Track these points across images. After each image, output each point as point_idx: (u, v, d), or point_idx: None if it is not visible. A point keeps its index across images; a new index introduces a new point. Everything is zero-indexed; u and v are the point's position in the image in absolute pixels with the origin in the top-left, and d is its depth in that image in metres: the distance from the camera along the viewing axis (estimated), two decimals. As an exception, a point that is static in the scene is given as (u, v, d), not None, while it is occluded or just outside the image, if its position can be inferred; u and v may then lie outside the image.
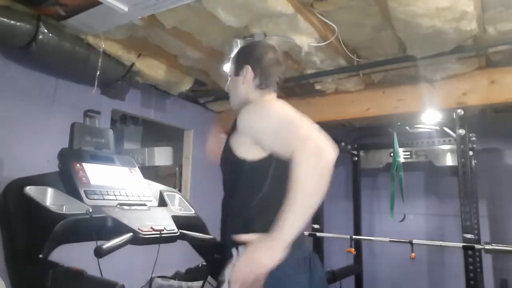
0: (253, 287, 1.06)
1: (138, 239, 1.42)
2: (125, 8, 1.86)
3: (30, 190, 1.42)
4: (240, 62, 1.42)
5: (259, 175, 1.20)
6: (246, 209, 1.22)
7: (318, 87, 3.20)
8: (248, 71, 1.38)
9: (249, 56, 1.42)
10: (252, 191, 1.19)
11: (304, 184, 1.05)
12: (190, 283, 3.02)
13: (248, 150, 1.21)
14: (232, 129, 1.28)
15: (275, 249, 1.05)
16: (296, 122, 1.16)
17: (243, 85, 1.40)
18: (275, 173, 1.21)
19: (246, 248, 1.10)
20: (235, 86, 1.43)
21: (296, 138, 1.10)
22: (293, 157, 1.07)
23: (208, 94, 3.56)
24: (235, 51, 2.28)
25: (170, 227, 1.58)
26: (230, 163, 1.27)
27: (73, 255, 1.53)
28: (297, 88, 3.38)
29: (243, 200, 1.22)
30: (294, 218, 1.05)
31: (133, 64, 2.67)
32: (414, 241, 2.83)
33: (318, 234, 3.40)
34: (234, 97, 1.45)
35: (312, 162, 1.06)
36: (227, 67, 2.38)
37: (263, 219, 1.14)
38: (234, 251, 1.19)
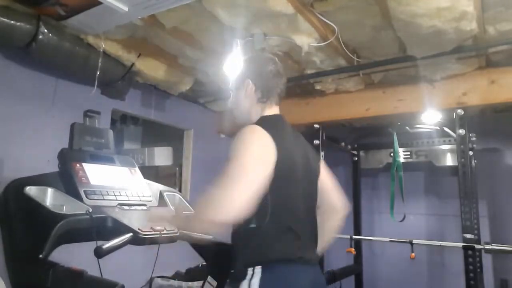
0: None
1: (138, 239, 1.42)
2: (125, 8, 1.86)
3: (30, 190, 1.42)
4: (241, 76, 1.43)
5: None
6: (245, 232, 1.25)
7: (318, 87, 3.20)
8: (249, 84, 1.38)
9: (249, 69, 1.43)
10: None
11: (189, 221, 1.36)
12: (190, 283, 3.02)
13: None
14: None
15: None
16: (234, 170, 1.16)
17: (245, 99, 1.40)
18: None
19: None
20: (237, 100, 1.43)
21: (219, 180, 1.14)
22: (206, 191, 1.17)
23: (208, 94, 3.56)
24: (235, 51, 2.30)
25: (170, 227, 1.58)
26: None
27: (73, 255, 1.53)
28: (297, 88, 3.38)
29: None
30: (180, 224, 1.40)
31: (133, 64, 2.67)
32: (414, 241, 2.83)
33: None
34: (237, 112, 1.45)
35: (199, 214, 1.23)
36: (228, 67, 2.39)
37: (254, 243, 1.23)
38: (250, 269, 1.19)
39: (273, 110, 1.41)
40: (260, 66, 1.41)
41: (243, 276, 1.19)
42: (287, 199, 1.25)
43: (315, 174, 1.44)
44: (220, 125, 3.95)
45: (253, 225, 1.22)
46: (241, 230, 1.22)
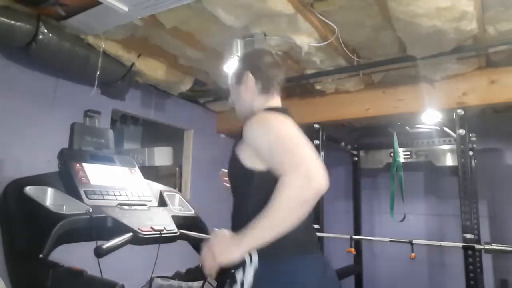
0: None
1: (138, 239, 1.42)
2: (125, 8, 1.86)
3: (30, 190, 1.42)
4: (240, 70, 1.42)
5: (267, 186, 1.16)
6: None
7: (318, 87, 3.20)
8: (248, 77, 1.38)
9: (247, 62, 1.43)
10: (261, 201, 1.15)
11: (280, 206, 1.05)
12: (190, 283, 3.01)
13: (255, 162, 1.21)
14: (239, 138, 1.27)
15: (231, 250, 1.09)
16: (291, 143, 1.14)
17: (246, 92, 1.39)
18: None
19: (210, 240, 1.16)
20: (239, 95, 1.42)
21: (289, 160, 1.08)
22: (282, 176, 1.06)
23: (208, 94, 3.56)
24: (235, 51, 2.30)
25: (170, 227, 1.58)
26: (239, 173, 1.27)
27: (73, 255, 1.53)
28: (297, 88, 3.38)
29: (252, 210, 1.17)
30: (258, 232, 1.07)
31: (133, 64, 2.67)
32: (414, 241, 2.83)
33: (318, 234, 3.40)
34: (239, 106, 1.44)
35: (297, 189, 1.04)
36: (228, 67, 2.39)
37: None
38: (246, 257, 1.17)
39: (275, 101, 1.40)
40: (257, 58, 1.42)
41: (239, 264, 1.17)
42: None
43: None
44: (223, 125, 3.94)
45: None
46: (241, 217, 1.22)
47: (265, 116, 1.26)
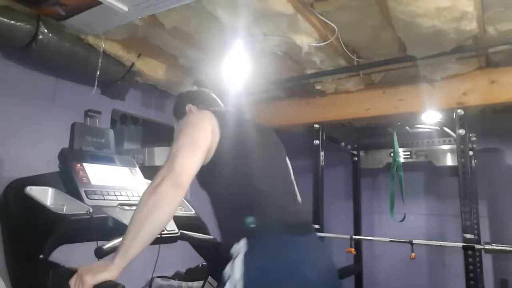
0: None
1: (138, 239, 1.42)
2: (125, 8, 1.86)
3: (30, 190, 1.41)
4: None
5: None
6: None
7: (318, 87, 3.20)
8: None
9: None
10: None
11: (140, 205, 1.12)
12: (190, 283, 3.01)
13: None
14: None
15: (103, 268, 1.06)
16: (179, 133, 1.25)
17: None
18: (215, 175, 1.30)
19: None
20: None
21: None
22: None
23: (208, 94, 3.56)
24: (235, 51, 2.30)
25: (170, 227, 1.58)
26: None
27: (73, 255, 1.53)
28: (297, 88, 3.38)
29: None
30: (127, 245, 1.07)
31: (133, 64, 2.67)
32: (414, 241, 2.83)
33: (318, 234, 3.40)
34: None
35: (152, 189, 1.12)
36: (227, 66, 2.38)
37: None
38: (235, 245, 1.17)
39: None
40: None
41: (231, 255, 1.17)
42: (244, 171, 1.29)
43: (277, 148, 1.53)
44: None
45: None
46: (218, 211, 1.30)
47: None
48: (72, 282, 1.06)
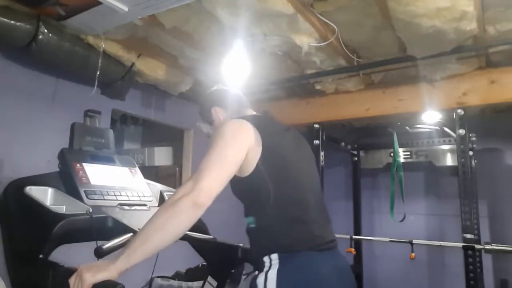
0: None
1: (138, 239, 1.42)
2: (125, 8, 1.86)
3: (30, 190, 1.41)
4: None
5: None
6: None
7: (318, 87, 3.20)
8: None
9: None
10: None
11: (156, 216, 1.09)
12: (190, 283, 3.01)
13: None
14: None
15: (105, 267, 1.04)
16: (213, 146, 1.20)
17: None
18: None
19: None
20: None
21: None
22: None
23: (208, 94, 3.56)
24: (235, 51, 2.30)
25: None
26: None
27: (73, 255, 1.53)
28: (297, 88, 3.38)
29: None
30: (132, 250, 1.05)
31: (133, 64, 2.67)
32: (414, 241, 2.83)
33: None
34: None
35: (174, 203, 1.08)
36: (227, 66, 2.38)
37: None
38: (266, 259, 1.17)
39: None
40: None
41: (260, 268, 1.16)
42: (289, 184, 1.25)
43: (311, 156, 1.48)
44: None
45: (252, 224, 1.25)
46: (252, 219, 1.24)
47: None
48: (72, 280, 1.06)
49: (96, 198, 1.53)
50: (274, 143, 1.25)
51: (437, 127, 3.58)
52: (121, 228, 1.42)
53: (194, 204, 1.06)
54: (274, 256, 1.15)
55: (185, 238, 1.64)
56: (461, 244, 2.64)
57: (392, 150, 3.52)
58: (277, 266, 1.13)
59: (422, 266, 3.90)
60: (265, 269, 1.15)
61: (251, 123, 1.25)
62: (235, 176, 1.21)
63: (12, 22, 2.01)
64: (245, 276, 1.52)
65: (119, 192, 1.65)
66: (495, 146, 3.77)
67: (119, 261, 1.04)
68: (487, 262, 3.46)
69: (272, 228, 1.20)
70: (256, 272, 1.20)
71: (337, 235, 1.41)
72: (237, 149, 1.18)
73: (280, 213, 1.20)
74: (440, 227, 3.95)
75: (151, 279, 3.07)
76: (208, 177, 1.10)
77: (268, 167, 1.21)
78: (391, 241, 2.98)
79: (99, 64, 2.43)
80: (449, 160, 3.70)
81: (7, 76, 2.32)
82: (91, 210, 1.42)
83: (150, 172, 3.54)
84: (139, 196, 1.72)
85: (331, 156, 3.59)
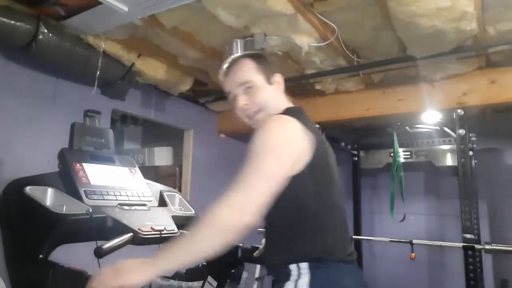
0: None
1: (138, 239, 1.42)
2: (125, 8, 1.86)
3: (30, 190, 1.42)
4: (268, 69, 1.32)
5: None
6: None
7: (318, 87, 3.20)
8: (279, 78, 1.34)
9: (269, 64, 1.36)
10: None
11: (200, 227, 1.01)
12: (190, 283, 3.01)
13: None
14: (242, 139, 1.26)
15: (142, 271, 0.97)
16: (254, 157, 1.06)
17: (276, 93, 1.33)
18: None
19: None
20: (268, 94, 1.31)
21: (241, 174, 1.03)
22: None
23: (208, 94, 3.56)
24: (235, 51, 2.29)
25: (170, 227, 1.58)
26: None
27: (73, 255, 1.53)
28: (297, 88, 3.38)
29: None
30: (175, 254, 1.00)
31: (133, 64, 2.67)
32: (414, 241, 2.83)
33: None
34: (269, 110, 1.29)
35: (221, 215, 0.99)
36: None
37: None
38: (294, 267, 1.09)
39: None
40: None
41: (286, 276, 1.09)
42: (329, 192, 1.19)
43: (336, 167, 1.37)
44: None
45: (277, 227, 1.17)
46: (280, 222, 1.15)
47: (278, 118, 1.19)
48: (102, 277, 0.99)
49: (96, 198, 1.53)
50: (320, 148, 1.17)
51: (437, 127, 3.58)
52: (121, 228, 1.43)
53: (239, 223, 0.98)
54: (304, 265, 1.08)
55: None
56: (461, 244, 2.64)
57: (392, 150, 3.53)
58: (307, 276, 1.07)
59: (422, 266, 3.90)
60: (293, 277, 1.08)
61: (302, 122, 1.16)
62: None
63: (12, 22, 2.01)
64: (245, 276, 1.51)
65: (119, 192, 1.65)
66: (495, 146, 3.77)
67: (157, 261, 0.98)
68: (487, 262, 3.46)
69: (305, 236, 1.12)
70: (274, 279, 1.15)
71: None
72: (291, 157, 1.08)
73: (316, 221, 1.13)
74: (440, 227, 3.95)
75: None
76: (256, 192, 1.02)
77: (313, 171, 1.11)
78: (391, 241, 2.98)
79: (99, 64, 2.43)
80: (449, 160, 3.71)
81: (7, 76, 2.32)
82: (91, 210, 1.42)
83: (150, 172, 3.54)
84: (139, 196, 1.72)
85: (331, 156, 3.58)
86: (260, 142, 1.08)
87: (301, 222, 1.13)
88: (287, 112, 1.24)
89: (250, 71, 1.29)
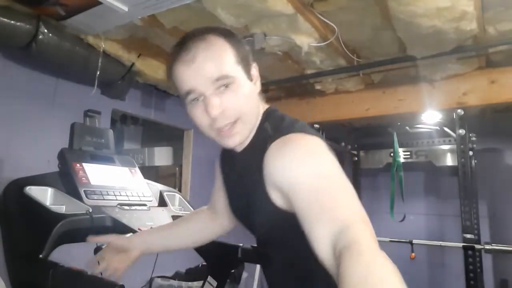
0: None
1: (138, 239, 1.42)
2: (125, 8, 1.86)
3: (30, 190, 1.42)
4: (246, 58, 0.94)
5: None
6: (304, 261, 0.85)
7: (318, 87, 3.20)
8: (256, 70, 0.96)
9: (247, 49, 0.96)
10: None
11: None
12: (190, 283, 3.02)
13: (281, 199, 0.85)
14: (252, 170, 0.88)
15: None
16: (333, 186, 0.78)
17: (255, 94, 0.95)
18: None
19: None
20: (251, 98, 0.93)
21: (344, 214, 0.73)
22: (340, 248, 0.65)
23: (208, 94, 3.56)
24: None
25: (170, 227, 1.58)
26: (269, 214, 0.88)
27: (73, 255, 1.53)
28: (297, 88, 3.38)
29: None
30: None
31: (133, 64, 2.67)
32: (414, 241, 2.83)
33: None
34: (250, 117, 0.93)
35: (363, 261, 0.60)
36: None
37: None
38: None
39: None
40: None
41: None
42: None
43: None
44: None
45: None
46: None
47: (301, 141, 0.84)
48: None
49: (96, 198, 1.53)
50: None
51: (437, 127, 3.58)
52: (121, 228, 1.43)
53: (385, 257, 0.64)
54: None
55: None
56: (461, 244, 2.64)
57: (392, 150, 3.52)
58: None
59: (422, 266, 3.90)
60: None
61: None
62: (279, 209, 0.84)
63: (12, 22, 2.01)
64: (245, 276, 1.50)
65: (119, 192, 1.65)
66: (495, 146, 3.77)
67: None
68: (487, 262, 3.46)
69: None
70: None
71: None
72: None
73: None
74: (440, 227, 3.95)
75: (151, 279, 3.07)
76: (367, 221, 0.76)
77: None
78: (391, 241, 2.98)
79: (99, 64, 2.43)
80: (449, 160, 3.70)
81: (7, 76, 2.32)
82: (91, 210, 1.42)
83: (150, 172, 3.54)
84: (139, 196, 1.72)
85: (331, 156, 3.58)
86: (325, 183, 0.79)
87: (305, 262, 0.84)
88: (286, 126, 0.95)
89: (228, 60, 0.88)
